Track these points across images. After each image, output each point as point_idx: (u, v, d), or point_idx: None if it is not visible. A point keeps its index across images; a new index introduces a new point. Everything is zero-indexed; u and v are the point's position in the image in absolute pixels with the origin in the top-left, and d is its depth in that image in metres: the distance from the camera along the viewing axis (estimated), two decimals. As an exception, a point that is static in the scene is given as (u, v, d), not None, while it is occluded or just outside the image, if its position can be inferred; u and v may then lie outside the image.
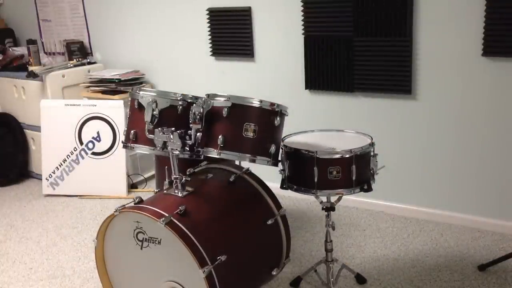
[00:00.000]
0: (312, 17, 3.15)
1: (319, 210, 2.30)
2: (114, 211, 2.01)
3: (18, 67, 4.19)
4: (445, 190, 3.03)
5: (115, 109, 3.72)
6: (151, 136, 2.11)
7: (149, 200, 2.09)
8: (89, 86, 3.99)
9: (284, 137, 2.22)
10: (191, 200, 2.05)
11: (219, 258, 1.88)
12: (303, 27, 3.20)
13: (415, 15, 2.83)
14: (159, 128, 2.05)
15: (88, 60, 4.25)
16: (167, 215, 1.89)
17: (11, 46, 4.64)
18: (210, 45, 3.65)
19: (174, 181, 2.08)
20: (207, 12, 3.59)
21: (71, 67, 4.09)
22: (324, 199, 2.22)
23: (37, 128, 3.96)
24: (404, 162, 3.03)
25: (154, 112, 2.14)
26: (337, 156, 2.03)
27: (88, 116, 3.76)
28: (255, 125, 2.03)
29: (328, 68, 3.16)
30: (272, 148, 2.08)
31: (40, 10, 4.65)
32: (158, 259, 1.98)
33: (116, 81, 3.86)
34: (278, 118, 2.08)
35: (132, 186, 3.86)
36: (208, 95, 2.10)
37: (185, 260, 1.84)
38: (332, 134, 2.38)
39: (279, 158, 2.14)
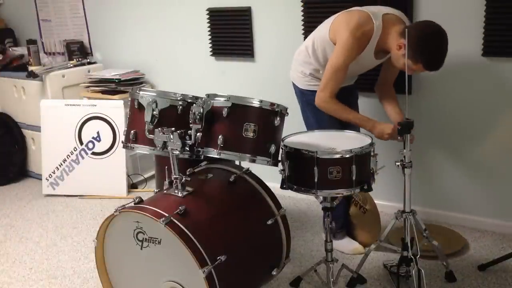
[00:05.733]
0: (312, 17, 3.15)
1: (319, 210, 2.30)
2: (114, 211, 2.01)
3: (18, 67, 4.19)
4: (445, 190, 3.03)
5: (115, 109, 3.72)
6: (151, 136, 2.11)
7: (149, 200, 2.09)
8: (89, 86, 3.99)
9: (284, 137, 2.22)
10: (191, 200, 2.05)
11: (219, 258, 1.88)
12: (303, 27, 3.20)
13: (415, 15, 2.83)
14: (159, 128, 2.05)
15: (88, 60, 4.25)
16: (167, 215, 1.89)
17: (11, 46, 4.64)
18: (210, 45, 3.65)
19: (174, 181, 2.08)
20: (207, 12, 3.59)
21: (71, 67, 4.09)
22: (324, 199, 2.22)
23: (37, 128, 3.96)
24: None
25: (154, 112, 2.14)
26: (337, 156, 2.02)
27: (88, 116, 3.76)
28: (255, 125, 2.03)
29: (328, 68, 3.15)
30: (272, 148, 2.09)
31: (40, 10, 4.65)
32: (158, 259, 1.98)
33: (116, 81, 3.86)
34: (278, 118, 2.08)
35: (132, 186, 3.87)
36: (208, 95, 2.10)
37: (185, 260, 1.84)
38: (332, 134, 2.38)
39: (279, 158, 2.14)
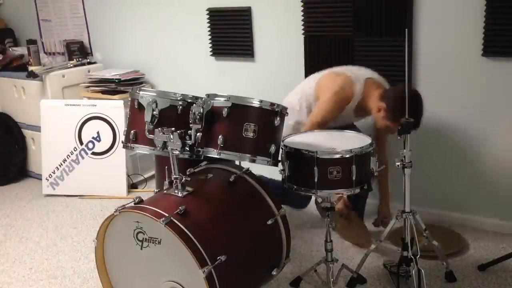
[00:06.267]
0: (312, 17, 3.16)
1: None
2: (114, 211, 2.01)
3: (18, 67, 4.18)
4: (445, 190, 3.03)
5: (115, 109, 3.72)
6: (151, 136, 2.12)
7: (149, 200, 2.09)
8: (89, 86, 3.99)
9: (284, 137, 2.22)
10: (191, 200, 2.05)
11: (219, 258, 1.88)
12: (303, 27, 3.20)
13: (415, 15, 2.83)
14: (159, 128, 2.05)
15: (88, 60, 4.25)
16: (167, 215, 1.89)
17: (11, 46, 4.64)
18: (210, 45, 3.65)
19: (174, 181, 2.08)
20: (207, 12, 3.59)
21: (71, 67, 4.09)
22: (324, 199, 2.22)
23: (37, 128, 3.96)
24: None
25: (154, 112, 2.14)
26: (337, 156, 2.03)
27: (88, 116, 3.76)
28: (255, 125, 2.03)
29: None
30: (272, 148, 2.08)
31: (40, 10, 4.65)
32: (158, 259, 1.98)
33: (116, 81, 3.86)
34: (278, 118, 2.08)
35: (132, 186, 3.87)
36: (208, 95, 2.10)
37: (185, 260, 1.84)
38: (332, 134, 2.38)
39: (279, 158, 2.14)
